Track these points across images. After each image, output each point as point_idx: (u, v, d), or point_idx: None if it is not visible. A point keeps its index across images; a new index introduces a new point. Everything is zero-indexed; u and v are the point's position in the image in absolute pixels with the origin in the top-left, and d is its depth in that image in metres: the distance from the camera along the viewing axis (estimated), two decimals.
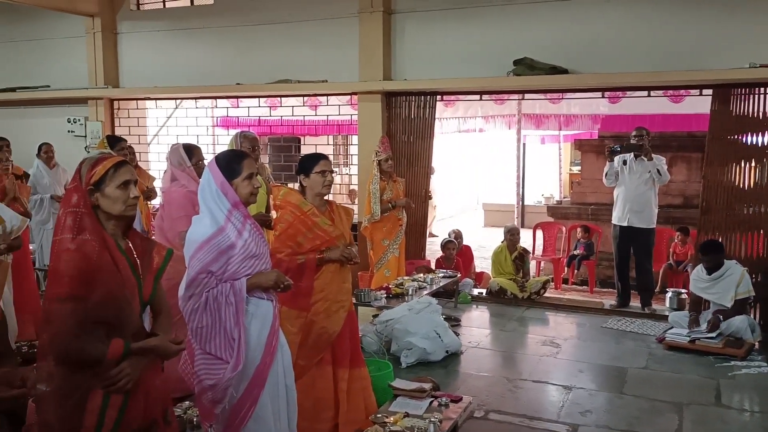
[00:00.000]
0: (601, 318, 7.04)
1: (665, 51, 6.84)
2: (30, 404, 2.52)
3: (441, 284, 7.10)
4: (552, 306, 7.52)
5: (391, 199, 7.21)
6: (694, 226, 7.71)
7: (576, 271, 9.31)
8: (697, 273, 6.28)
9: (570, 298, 8.02)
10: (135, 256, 2.55)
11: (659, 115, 9.61)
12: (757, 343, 5.98)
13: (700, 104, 7.87)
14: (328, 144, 10.58)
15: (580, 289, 9.12)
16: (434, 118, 8.11)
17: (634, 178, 7.06)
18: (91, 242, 2.40)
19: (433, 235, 12.47)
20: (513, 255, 7.97)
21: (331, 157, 4.04)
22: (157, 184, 6.73)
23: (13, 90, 10.03)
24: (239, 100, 9.65)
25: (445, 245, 8.36)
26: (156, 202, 7.19)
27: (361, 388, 4.10)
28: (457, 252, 8.40)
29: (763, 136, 6.65)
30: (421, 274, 7.22)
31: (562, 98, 9.06)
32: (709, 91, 6.89)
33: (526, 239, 9.63)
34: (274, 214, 4.68)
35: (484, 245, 11.50)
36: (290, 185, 5.60)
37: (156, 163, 9.70)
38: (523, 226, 12.89)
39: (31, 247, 6.86)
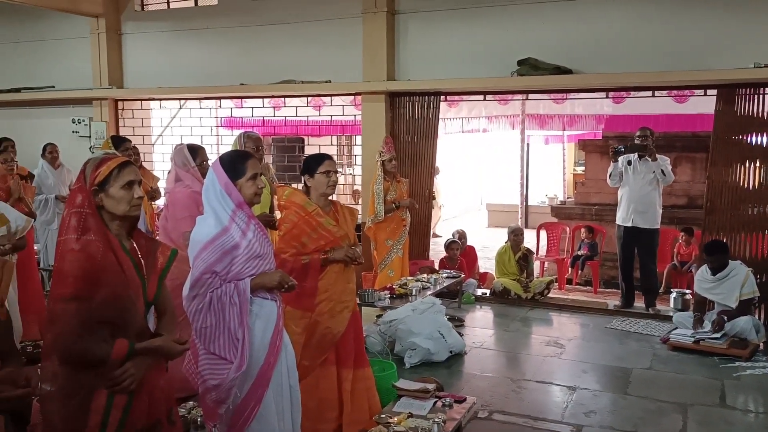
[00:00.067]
0: (605, 318, 7.03)
1: (669, 51, 6.83)
2: (34, 404, 2.53)
3: (445, 285, 7.10)
4: (556, 306, 7.51)
5: (395, 199, 7.20)
6: (698, 227, 7.69)
7: (580, 271, 9.29)
8: (702, 273, 6.26)
9: (574, 299, 8.01)
10: (139, 256, 2.56)
11: (663, 115, 9.59)
12: (761, 344, 5.96)
13: (704, 104, 7.86)
14: (331, 144, 10.58)
15: (584, 289, 9.10)
16: (438, 119, 8.11)
17: (638, 178, 7.05)
18: (95, 242, 2.40)
19: (437, 236, 12.46)
20: (517, 255, 7.97)
21: (334, 158, 4.04)
22: (162, 185, 6.74)
23: (17, 90, 10.07)
24: (243, 100, 9.66)
25: (448, 245, 8.36)
26: (160, 202, 7.20)
27: (365, 389, 4.10)
28: (460, 252, 8.39)
29: (767, 136, 6.63)
30: (425, 275, 7.22)
31: (566, 98, 9.05)
32: (714, 92, 6.88)
33: (529, 240, 9.62)
34: (278, 214, 4.69)
35: (488, 245, 11.47)
36: (294, 185, 5.60)
37: (160, 164, 9.71)
38: (526, 226, 12.87)
39: (35, 248, 6.88)
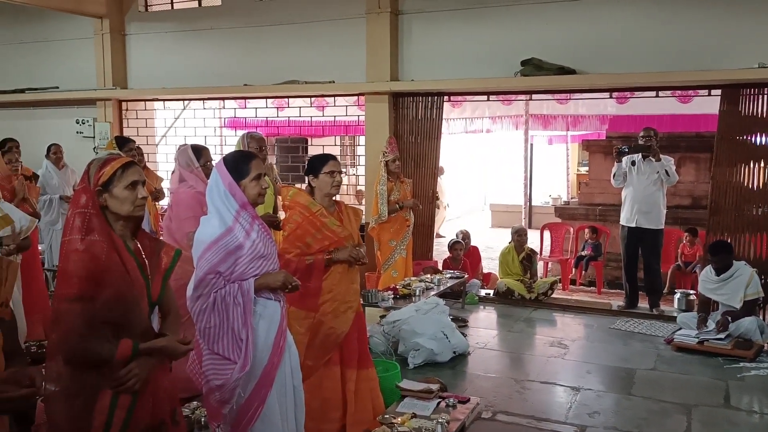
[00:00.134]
0: (609, 319, 7.02)
1: (673, 51, 6.81)
2: (39, 404, 2.53)
3: (448, 285, 7.10)
4: (560, 307, 7.50)
5: (399, 199, 7.20)
6: (702, 227, 7.68)
7: (584, 272, 9.28)
8: (706, 274, 6.25)
9: (578, 299, 8.00)
10: (143, 256, 2.56)
11: (667, 115, 9.58)
12: (766, 345, 5.94)
13: (708, 105, 7.84)
14: (335, 145, 10.61)
15: (588, 290, 9.10)
16: (441, 119, 8.11)
17: (642, 178, 7.04)
18: (99, 243, 2.41)
19: (440, 236, 12.46)
20: (520, 256, 7.96)
21: (338, 158, 4.04)
22: (165, 185, 6.75)
23: (22, 91, 10.09)
24: (247, 101, 9.67)
25: (452, 246, 8.35)
26: (164, 202, 7.21)
27: (369, 389, 4.10)
28: (464, 253, 8.39)
29: None
30: (429, 275, 7.21)
31: (570, 99, 9.04)
32: (718, 92, 6.86)
33: (533, 240, 9.60)
34: (282, 214, 4.69)
35: (492, 246, 11.47)
36: (298, 186, 5.61)
37: (164, 164, 9.73)
38: (530, 226, 12.86)
39: (40, 248, 6.89)
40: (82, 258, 2.37)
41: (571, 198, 13.71)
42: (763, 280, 6.35)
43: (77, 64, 9.98)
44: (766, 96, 6.59)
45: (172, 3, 9.74)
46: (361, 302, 4.94)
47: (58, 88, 9.98)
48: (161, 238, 4.77)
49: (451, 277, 7.31)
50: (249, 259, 2.94)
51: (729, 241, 6.65)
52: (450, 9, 7.75)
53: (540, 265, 8.96)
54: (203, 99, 9.59)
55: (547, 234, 10.22)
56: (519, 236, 8.05)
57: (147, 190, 2.62)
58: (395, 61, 8.03)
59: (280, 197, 5.45)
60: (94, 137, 9.83)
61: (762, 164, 6.66)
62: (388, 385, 4.42)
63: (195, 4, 9.67)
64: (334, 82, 8.31)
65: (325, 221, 3.81)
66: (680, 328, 6.29)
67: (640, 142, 7.04)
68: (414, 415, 4.06)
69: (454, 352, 5.69)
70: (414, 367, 5.43)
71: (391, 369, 4.77)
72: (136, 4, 9.75)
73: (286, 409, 3.09)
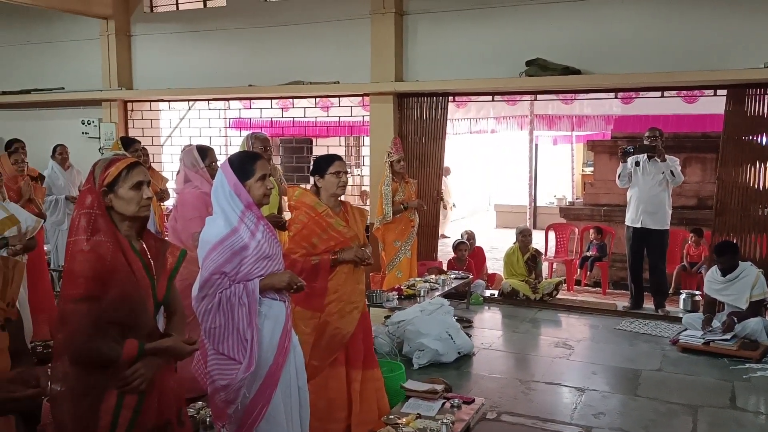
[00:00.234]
0: (614, 320, 7.00)
1: (679, 51, 6.80)
2: (45, 404, 2.53)
3: (453, 285, 7.09)
4: (564, 308, 7.49)
5: (403, 200, 7.20)
6: (708, 228, 7.65)
7: (589, 272, 9.26)
8: (712, 274, 6.23)
9: (583, 300, 7.98)
10: (149, 257, 2.57)
11: (673, 115, 9.55)
12: None
13: (714, 105, 7.82)
14: (339, 145, 10.60)
15: (593, 290, 9.07)
16: (446, 119, 8.11)
17: (647, 179, 7.02)
18: (105, 243, 2.41)
19: (445, 237, 12.45)
20: (525, 256, 7.95)
21: (343, 159, 4.04)
22: (170, 186, 6.76)
23: (27, 92, 10.13)
24: (251, 101, 9.69)
25: (457, 246, 8.35)
26: (169, 203, 7.23)
27: (374, 389, 4.10)
28: (469, 253, 8.38)
29: None
30: (433, 276, 7.20)
31: (575, 99, 9.03)
32: (724, 92, 6.85)
33: (538, 240, 9.60)
34: (287, 215, 4.70)
35: (497, 246, 11.46)
36: (302, 186, 5.61)
37: (169, 165, 9.75)
38: (535, 227, 12.81)
39: (45, 248, 6.91)
40: (87, 258, 2.37)
41: (576, 198, 13.69)
42: None
43: (83, 64, 10.02)
44: None
45: (177, 4, 9.77)
46: (366, 302, 4.95)
47: (63, 88, 10.02)
48: (166, 238, 4.79)
49: (455, 278, 7.31)
50: (254, 259, 2.94)
51: (735, 241, 6.64)
52: (455, 9, 7.75)
53: (545, 266, 8.95)
54: (208, 99, 9.61)
55: (552, 234, 10.21)
56: (524, 237, 8.04)
57: (152, 191, 2.62)
58: (400, 61, 8.03)
59: (285, 198, 5.46)
60: (99, 138, 9.87)
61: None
62: (393, 386, 4.42)
63: (200, 5, 9.69)
64: (338, 82, 8.32)
65: (330, 221, 3.81)
66: (686, 329, 6.27)
67: (646, 142, 7.02)
68: (419, 416, 4.06)
69: (459, 353, 5.68)
70: (419, 368, 5.43)
71: (396, 369, 4.77)
72: (141, 5, 9.78)
73: (291, 409, 3.10)
